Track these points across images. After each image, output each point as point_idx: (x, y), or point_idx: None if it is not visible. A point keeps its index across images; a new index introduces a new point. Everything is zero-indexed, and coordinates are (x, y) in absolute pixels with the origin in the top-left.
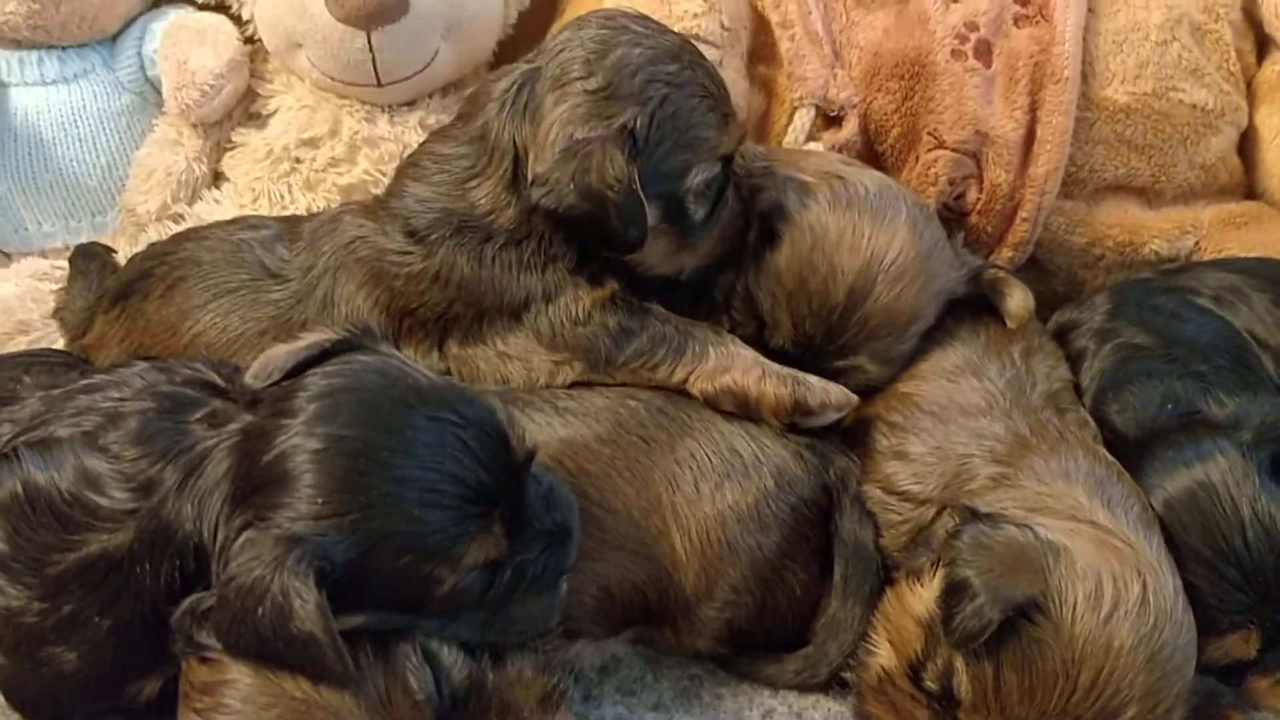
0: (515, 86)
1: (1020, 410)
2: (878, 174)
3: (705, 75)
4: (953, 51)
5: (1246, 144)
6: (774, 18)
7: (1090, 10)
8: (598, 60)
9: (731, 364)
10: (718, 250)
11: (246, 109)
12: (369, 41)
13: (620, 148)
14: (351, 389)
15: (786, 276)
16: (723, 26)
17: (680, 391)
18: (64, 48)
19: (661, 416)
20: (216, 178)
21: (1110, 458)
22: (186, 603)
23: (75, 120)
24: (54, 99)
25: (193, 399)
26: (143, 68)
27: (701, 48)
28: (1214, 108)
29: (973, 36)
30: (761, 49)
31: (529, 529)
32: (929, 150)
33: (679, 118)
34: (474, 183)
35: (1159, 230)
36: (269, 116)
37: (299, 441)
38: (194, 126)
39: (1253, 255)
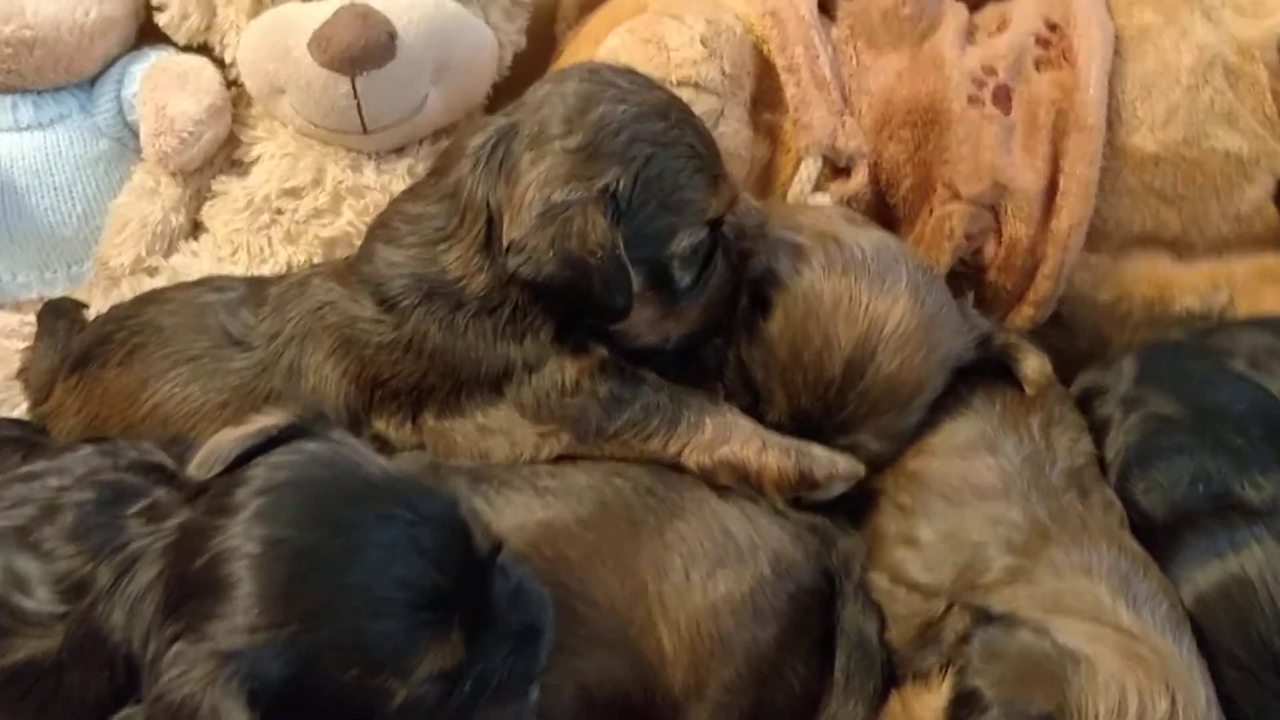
0: (490, 143)
1: (1039, 492)
2: (877, 233)
3: (694, 134)
4: (969, 98)
5: None
6: (780, 62)
7: (1116, 53)
8: (579, 117)
9: (730, 435)
10: (705, 318)
11: (229, 156)
12: (353, 87)
13: (602, 211)
14: (296, 483)
15: (779, 348)
16: (724, 73)
17: (674, 465)
18: (40, 92)
19: (649, 496)
20: (196, 228)
21: (1137, 548)
22: (116, 718)
23: (50, 167)
24: (28, 145)
25: (135, 488)
26: (122, 112)
27: (702, 96)
28: (1249, 155)
29: (991, 82)
30: (766, 94)
31: (493, 631)
32: (944, 203)
33: (665, 179)
34: (444, 246)
35: (1189, 285)
36: (251, 164)
37: (235, 544)
38: (173, 174)
39: None
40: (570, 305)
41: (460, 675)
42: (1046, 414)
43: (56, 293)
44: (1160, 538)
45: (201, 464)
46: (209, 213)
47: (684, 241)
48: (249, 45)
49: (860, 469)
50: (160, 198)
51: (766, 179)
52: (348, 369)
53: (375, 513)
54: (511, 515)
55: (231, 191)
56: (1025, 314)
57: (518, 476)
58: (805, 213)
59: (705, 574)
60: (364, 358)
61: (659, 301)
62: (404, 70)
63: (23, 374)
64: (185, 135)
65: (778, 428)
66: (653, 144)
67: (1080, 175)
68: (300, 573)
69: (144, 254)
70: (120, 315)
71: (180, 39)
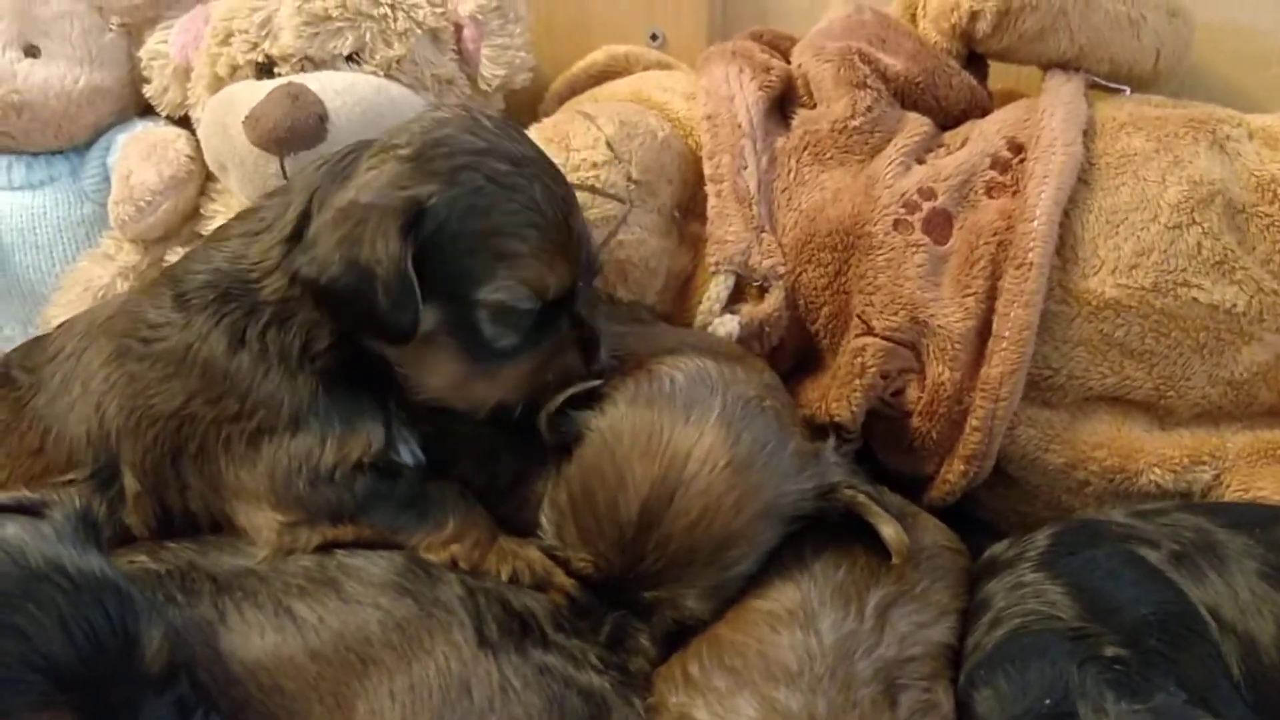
0: (346, 152)
1: (833, 682)
2: (701, 363)
3: (549, 199)
4: (895, 222)
5: None
6: (707, 170)
7: (1083, 182)
8: (424, 135)
9: (463, 535)
10: (530, 384)
11: (193, 229)
12: (282, 167)
13: (399, 222)
14: None
15: (574, 487)
16: (630, 179)
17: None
18: (34, 154)
19: (396, 633)
20: None
21: None
22: None
23: (35, 227)
24: (17, 204)
25: None
26: (107, 178)
27: (599, 201)
28: (1247, 310)
29: (926, 206)
30: (698, 204)
31: None
32: (857, 336)
33: (490, 217)
34: (257, 239)
35: (1161, 456)
36: None
37: None
38: (134, 242)
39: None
40: (352, 319)
41: None
42: (899, 589)
43: None
44: None
45: None
46: None
47: (495, 294)
48: (205, 121)
49: (541, 565)
50: (114, 264)
51: (685, 294)
52: (116, 382)
53: (40, 583)
54: (241, 635)
55: None
56: (957, 469)
57: (265, 591)
58: (684, 342)
59: None
60: (134, 373)
61: (462, 354)
62: None
63: None
64: (142, 204)
65: (584, 578)
66: (488, 179)
67: (1016, 318)
68: None
69: None
70: None
71: (164, 111)
